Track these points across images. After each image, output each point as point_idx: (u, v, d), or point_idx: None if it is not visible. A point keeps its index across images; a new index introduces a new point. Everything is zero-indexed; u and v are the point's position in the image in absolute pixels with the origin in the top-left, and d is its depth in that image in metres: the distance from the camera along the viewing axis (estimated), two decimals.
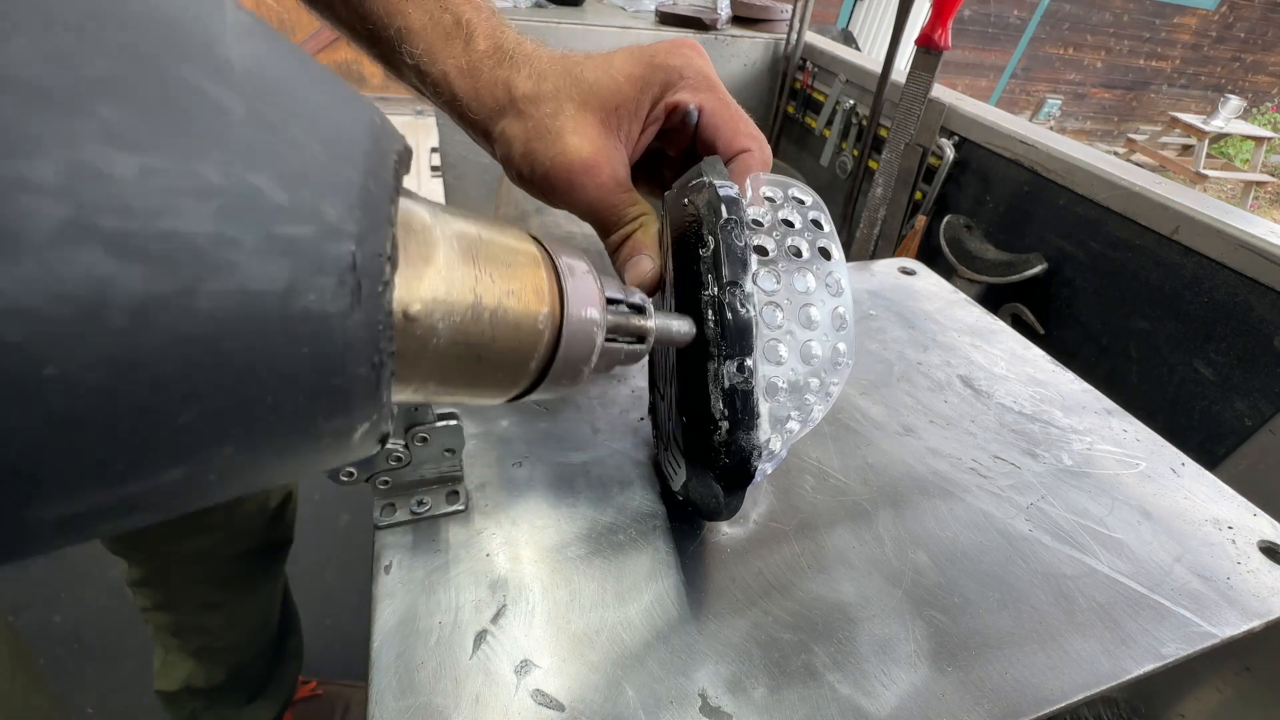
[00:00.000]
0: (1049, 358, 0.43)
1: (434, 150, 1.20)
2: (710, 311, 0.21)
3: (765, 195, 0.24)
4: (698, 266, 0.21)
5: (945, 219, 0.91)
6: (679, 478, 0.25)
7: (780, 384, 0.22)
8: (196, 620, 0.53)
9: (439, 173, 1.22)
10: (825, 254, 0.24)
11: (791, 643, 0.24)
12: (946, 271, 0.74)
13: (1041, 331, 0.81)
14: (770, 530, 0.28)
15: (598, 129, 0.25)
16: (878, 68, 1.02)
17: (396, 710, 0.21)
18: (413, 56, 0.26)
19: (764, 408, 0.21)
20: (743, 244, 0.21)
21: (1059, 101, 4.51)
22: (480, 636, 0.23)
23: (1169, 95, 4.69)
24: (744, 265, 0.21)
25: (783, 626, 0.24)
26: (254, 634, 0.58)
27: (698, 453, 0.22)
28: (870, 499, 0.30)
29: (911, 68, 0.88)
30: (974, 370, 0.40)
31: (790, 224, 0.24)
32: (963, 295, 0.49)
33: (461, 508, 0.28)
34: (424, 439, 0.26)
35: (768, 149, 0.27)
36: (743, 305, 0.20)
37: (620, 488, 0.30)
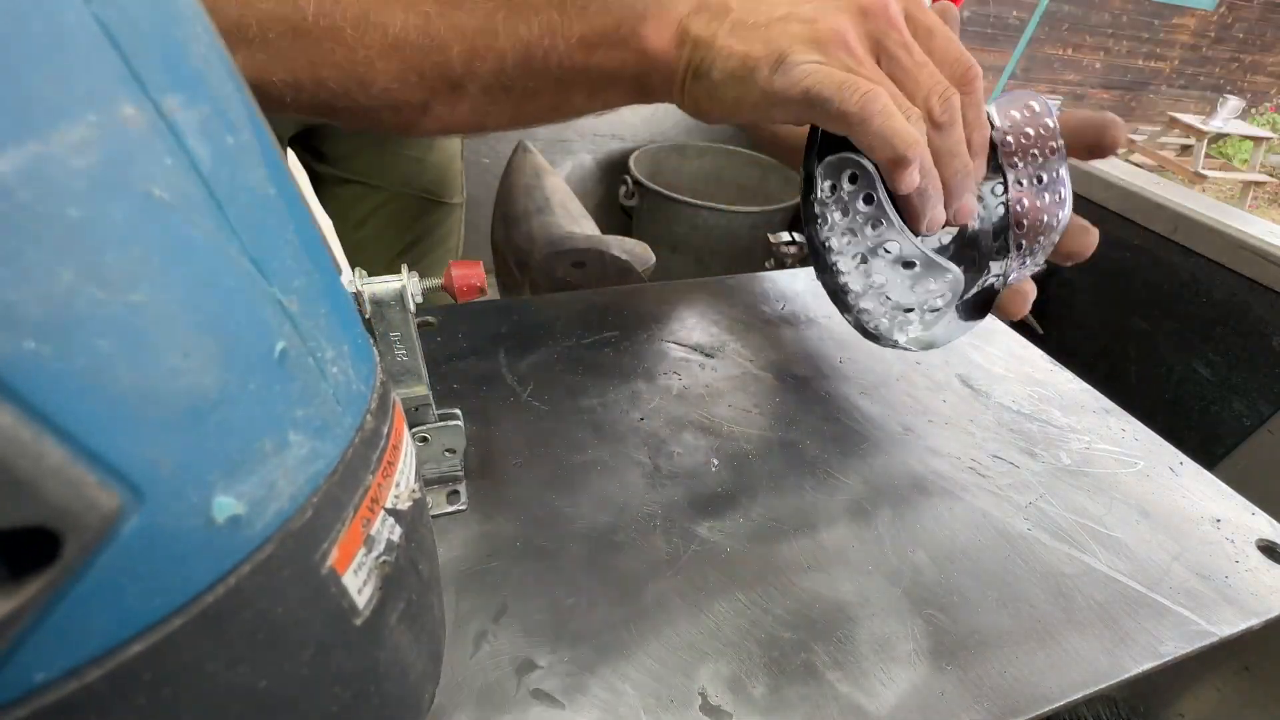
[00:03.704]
0: (1047, 357, 0.43)
1: None
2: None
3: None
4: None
5: None
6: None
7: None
8: None
9: None
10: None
11: (791, 641, 0.24)
12: None
13: (1040, 331, 0.81)
14: (770, 529, 0.28)
15: None
16: None
17: None
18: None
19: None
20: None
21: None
22: (481, 636, 0.23)
23: (1168, 95, 4.69)
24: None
25: (782, 625, 0.25)
26: None
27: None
28: (870, 498, 0.31)
29: None
30: (972, 370, 0.40)
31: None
32: None
33: (462, 507, 0.28)
34: (424, 439, 0.26)
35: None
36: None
37: (620, 488, 0.30)
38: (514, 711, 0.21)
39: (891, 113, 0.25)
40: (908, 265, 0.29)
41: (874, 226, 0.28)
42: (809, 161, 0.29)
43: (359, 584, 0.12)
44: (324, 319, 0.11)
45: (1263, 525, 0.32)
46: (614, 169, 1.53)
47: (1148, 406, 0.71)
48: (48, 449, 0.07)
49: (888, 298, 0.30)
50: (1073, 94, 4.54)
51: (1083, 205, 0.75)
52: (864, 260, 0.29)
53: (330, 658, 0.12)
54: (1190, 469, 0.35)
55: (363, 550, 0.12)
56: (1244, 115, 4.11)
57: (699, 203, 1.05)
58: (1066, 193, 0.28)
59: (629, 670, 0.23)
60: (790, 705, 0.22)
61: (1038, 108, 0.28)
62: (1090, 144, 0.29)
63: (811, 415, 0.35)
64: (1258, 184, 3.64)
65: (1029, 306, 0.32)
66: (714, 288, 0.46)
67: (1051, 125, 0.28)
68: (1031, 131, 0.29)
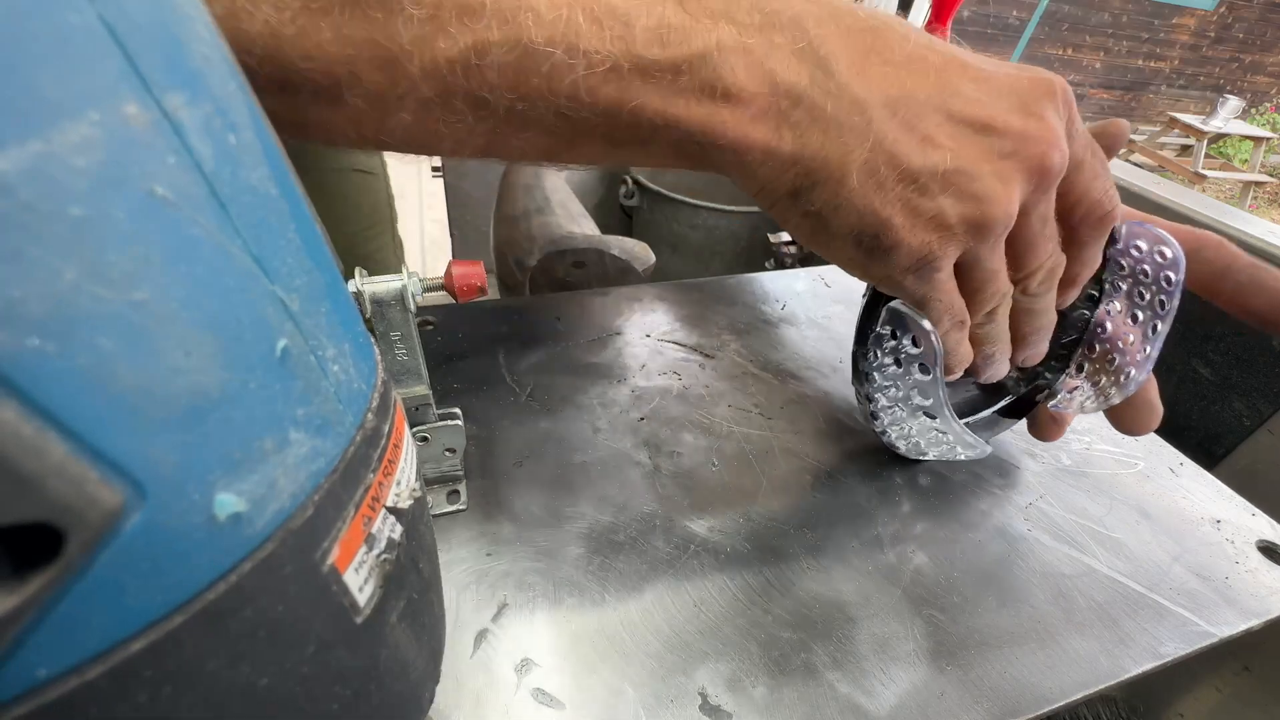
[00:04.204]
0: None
1: None
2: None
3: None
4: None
5: None
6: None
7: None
8: None
9: (439, 173, 1.22)
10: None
11: (791, 641, 0.24)
12: None
13: None
14: (770, 529, 0.28)
15: None
16: None
17: None
18: None
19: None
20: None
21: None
22: (481, 636, 0.23)
23: (1168, 95, 4.69)
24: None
25: (782, 625, 0.25)
26: None
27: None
28: (870, 498, 0.31)
29: None
30: None
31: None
32: None
33: (462, 507, 0.28)
34: (425, 439, 0.26)
35: None
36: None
37: (620, 488, 0.30)
38: (514, 711, 0.21)
39: (964, 338, 0.23)
40: (942, 432, 0.29)
41: (922, 395, 0.27)
42: (874, 292, 0.26)
43: (360, 582, 0.12)
44: (325, 317, 0.11)
45: (1263, 526, 0.32)
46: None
47: None
48: (50, 445, 0.07)
49: (918, 443, 0.30)
50: (1073, 93, 4.53)
51: None
52: (901, 407, 0.28)
53: (331, 656, 0.12)
54: (1190, 470, 0.35)
55: (364, 548, 0.12)
56: (1244, 115, 4.11)
57: (699, 203, 1.05)
58: (1154, 351, 0.25)
59: (629, 670, 0.23)
60: (790, 705, 0.22)
61: (1169, 255, 0.25)
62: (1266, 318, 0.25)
63: (811, 415, 0.35)
64: (1258, 184, 3.64)
65: (1060, 435, 0.29)
66: (714, 288, 0.46)
67: (1174, 279, 0.25)
68: (1149, 271, 0.25)
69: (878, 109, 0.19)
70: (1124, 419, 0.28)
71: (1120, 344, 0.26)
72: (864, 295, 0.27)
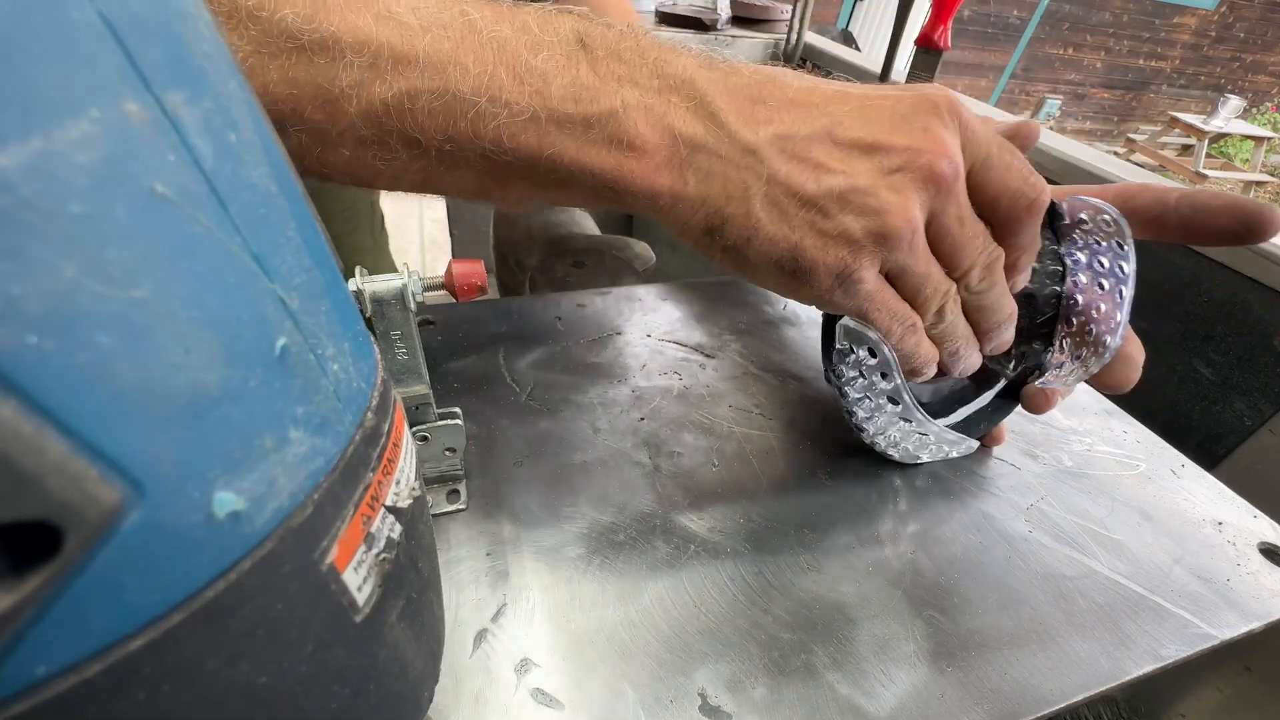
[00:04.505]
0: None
1: None
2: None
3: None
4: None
5: None
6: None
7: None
8: None
9: None
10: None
11: (791, 642, 0.24)
12: None
13: None
14: (770, 529, 0.28)
15: None
16: (878, 68, 1.02)
17: None
18: None
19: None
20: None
21: (1059, 101, 4.51)
22: (480, 635, 0.23)
23: (1169, 95, 4.69)
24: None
25: (782, 626, 0.25)
26: None
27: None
28: (870, 499, 0.31)
29: (911, 68, 0.88)
30: None
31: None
32: None
33: (462, 507, 0.28)
34: (425, 438, 0.26)
35: None
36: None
37: (620, 488, 0.30)
38: (513, 710, 0.21)
39: (921, 340, 0.24)
40: (923, 434, 0.30)
41: (893, 402, 0.28)
42: (826, 314, 0.28)
43: (359, 581, 0.12)
44: (325, 316, 0.11)
45: (1264, 528, 0.32)
46: None
47: (1148, 406, 0.71)
48: (49, 443, 0.07)
49: (908, 448, 0.31)
50: (1073, 94, 4.53)
51: None
52: (879, 416, 0.29)
53: (330, 655, 0.12)
54: (1192, 471, 0.35)
55: (363, 547, 0.12)
56: (1245, 115, 4.11)
57: None
58: (1124, 316, 0.26)
59: (629, 670, 0.23)
60: (790, 706, 0.22)
61: (1111, 219, 0.26)
62: (1237, 230, 0.25)
63: (812, 416, 0.35)
64: (1258, 184, 3.64)
65: (1051, 407, 0.30)
66: (714, 288, 0.46)
67: (1124, 241, 0.26)
68: (1101, 240, 0.26)
69: (767, 149, 0.21)
70: (1104, 377, 0.29)
71: (1094, 313, 0.27)
72: (822, 319, 0.28)
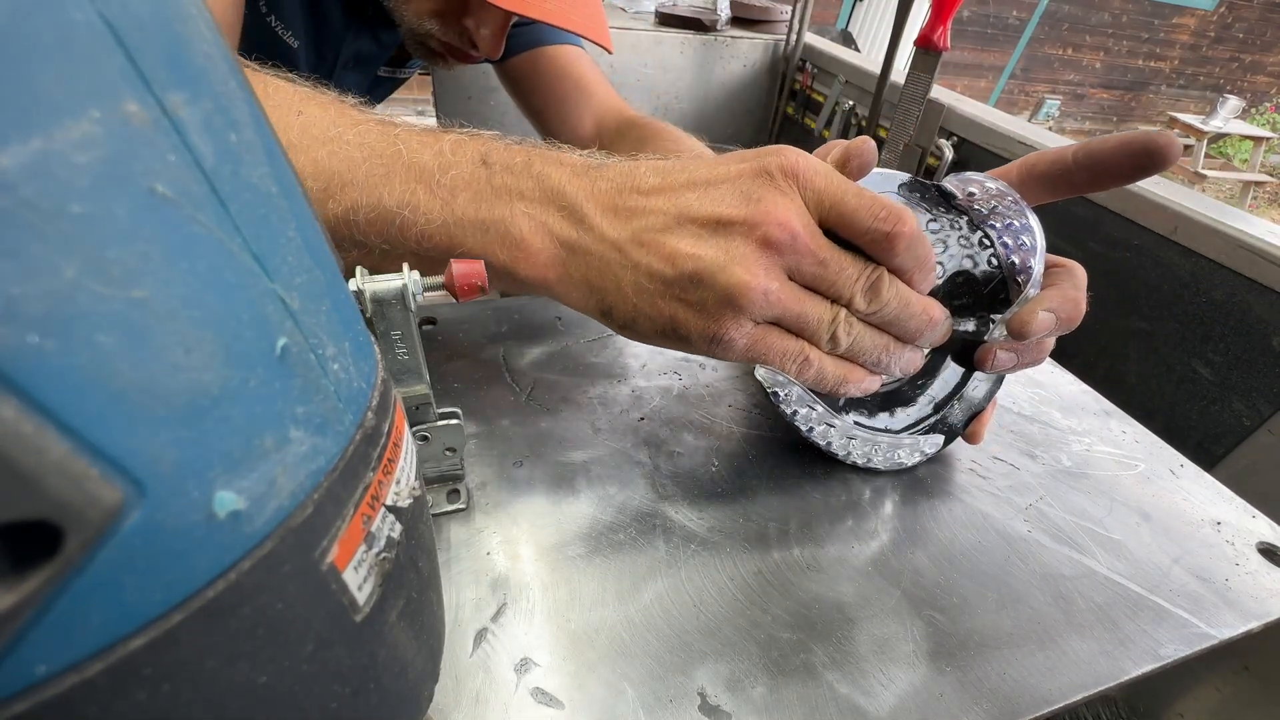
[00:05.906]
0: (1048, 359, 0.43)
1: None
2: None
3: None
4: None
5: None
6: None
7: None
8: None
9: None
10: None
11: (790, 642, 0.24)
12: None
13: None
14: (770, 529, 0.28)
15: None
16: (877, 68, 1.02)
17: None
18: None
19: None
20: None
21: (1058, 102, 4.52)
22: (480, 635, 0.23)
23: (1168, 95, 4.69)
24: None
25: (781, 625, 0.25)
26: None
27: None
28: (869, 499, 0.31)
29: (911, 68, 0.88)
30: None
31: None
32: None
33: (462, 506, 0.28)
34: (425, 437, 0.26)
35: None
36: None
37: (620, 487, 0.30)
38: (513, 710, 0.21)
39: (822, 367, 0.26)
40: (878, 442, 0.31)
41: (829, 424, 0.30)
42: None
43: (359, 580, 0.12)
44: (325, 316, 0.11)
45: (1263, 528, 0.32)
46: None
47: (1147, 407, 0.71)
48: (50, 443, 0.07)
49: (890, 455, 0.32)
50: (1073, 94, 4.54)
51: (1083, 204, 0.75)
52: (835, 436, 0.30)
53: (330, 654, 0.12)
54: (1191, 471, 0.35)
55: (363, 547, 0.12)
56: (1244, 115, 4.11)
57: None
58: (1039, 266, 0.28)
59: (629, 670, 0.23)
60: (789, 705, 0.22)
61: (992, 184, 0.28)
62: (1137, 163, 0.26)
63: None
64: (1258, 184, 3.64)
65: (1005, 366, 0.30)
66: None
67: (1013, 198, 0.28)
68: (996, 204, 0.28)
69: (627, 243, 0.25)
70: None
71: (1030, 264, 0.28)
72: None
